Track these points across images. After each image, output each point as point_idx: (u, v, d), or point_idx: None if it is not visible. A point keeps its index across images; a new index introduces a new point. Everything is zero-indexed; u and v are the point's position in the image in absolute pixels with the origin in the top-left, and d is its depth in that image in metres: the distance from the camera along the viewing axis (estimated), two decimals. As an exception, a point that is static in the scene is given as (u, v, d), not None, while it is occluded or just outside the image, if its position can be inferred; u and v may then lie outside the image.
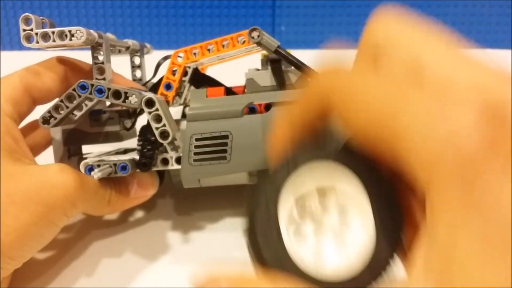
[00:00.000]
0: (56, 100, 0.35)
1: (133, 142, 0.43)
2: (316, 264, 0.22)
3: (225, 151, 0.34)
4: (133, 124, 0.43)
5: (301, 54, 0.39)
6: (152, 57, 0.49)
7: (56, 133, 0.40)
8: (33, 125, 0.40)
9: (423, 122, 0.17)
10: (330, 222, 0.23)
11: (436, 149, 0.17)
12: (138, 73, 0.47)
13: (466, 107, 0.16)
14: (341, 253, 0.22)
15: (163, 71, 0.41)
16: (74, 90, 0.34)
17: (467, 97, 0.17)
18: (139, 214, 0.44)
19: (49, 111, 0.35)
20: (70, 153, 0.41)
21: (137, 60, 0.48)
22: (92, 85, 0.34)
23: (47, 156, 0.40)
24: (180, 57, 0.39)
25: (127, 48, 0.45)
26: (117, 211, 0.40)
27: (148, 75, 0.47)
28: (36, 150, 0.40)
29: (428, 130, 0.17)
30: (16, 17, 0.79)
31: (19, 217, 0.31)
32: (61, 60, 0.39)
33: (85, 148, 0.43)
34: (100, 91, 0.34)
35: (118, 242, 0.41)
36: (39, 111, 0.37)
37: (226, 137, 0.34)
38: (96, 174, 0.34)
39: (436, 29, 0.20)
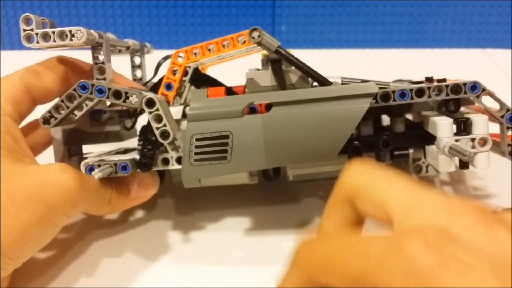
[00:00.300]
0: (56, 100, 0.35)
1: (133, 142, 0.43)
2: None
3: (225, 151, 0.34)
4: (134, 124, 0.43)
5: (301, 54, 0.39)
6: (152, 56, 0.49)
7: (57, 133, 0.40)
8: (34, 125, 0.40)
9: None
10: None
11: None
12: (138, 73, 0.47)
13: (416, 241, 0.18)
14: None
15: (163, 71, 0.41)
16: (74, 90, 0.34)
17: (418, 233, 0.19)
18: (140, 214, 0.44)
19: (49, 111, 0.35)
20: (71, 153, 0.41)
21: (137, 60, 0.48)
22: (93, 85, 0.34)
23: (48, 156, 0.40)
24: (181, 57, 0.39)
25: (128, 48, 0.45)
26: (117, 211, 0.40)
27: (149, 74, 0.47)
28: (37, 149, 0.40)
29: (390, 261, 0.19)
30: (16, 17, 0.79)
31: (19, 217, 0.31)
32: (61, 60, 0.39)
33: (86, 148, 0.43)
34: (100, 91, 0.34)
35: (118, 242, 0.41)
36: (39, 111, 0.37)
37: (226, 137, 0.34)
38: (97, 174, 0.34)
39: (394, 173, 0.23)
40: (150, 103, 0.34)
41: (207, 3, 0.81)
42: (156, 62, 0.44)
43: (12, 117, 0.34)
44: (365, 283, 0.20)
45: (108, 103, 0.41)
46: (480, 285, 0.17)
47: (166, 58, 0.43)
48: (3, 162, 0.32)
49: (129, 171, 0.35)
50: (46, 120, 0.35)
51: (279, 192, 0.47)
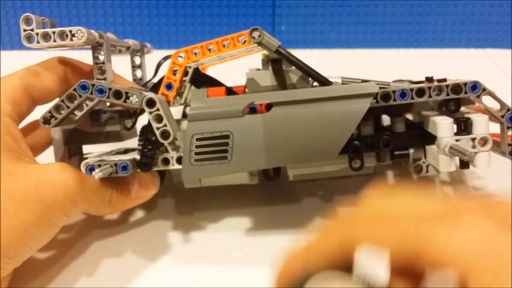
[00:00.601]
0: (56, 100, 0.35)
1: (133, 142, 0.43)
2: None
3: (226, 151, 0.34)
4: (134, 124, 0.43)
5: (301, 54, 0.39)
6: (153, 57, 0.49)
7: (57, 133, 0.40)
8: (34, 125, 0.40)
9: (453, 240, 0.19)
10: None
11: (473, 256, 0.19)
12: (138, 73, 0.47)
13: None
14: None
15: (163, 71, 0.41)
16: (75, 90, 0.34)
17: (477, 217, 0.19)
18: (140, 214, 0.44)
19: (49, 111, 0.35)
20: (71, 153, 0.41)
21: (137, 60, 0.48)
22: (93, 85, 0.34)
23: (48, 156, 0.40)
24: (181, 57, 0.39)
25: (128, 48, 0.45)
26: (118, 211, 0.40)
27: (149, 75, 0.47)
28: (37, 150, 0.40)
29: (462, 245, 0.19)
30: (16, 16, 0.79)
31: (18, 216, 0.31)
32: (61, 61, 0.39)
33: (86, 148, 0.43)
34: (101, 91, 0.34)
35: (118, 242, 0.41)
36: (39, 111, 0.37)
37: (227, 137, 0.34)
38: (97, 174, 0.34)
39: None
40: (151, 103, 0.34)
41: (207, 3, 0.81)
42: (156, 62, 0.44)
43: (11, 117, 0.34)
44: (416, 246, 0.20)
45: (108, 103, 0.41)
46: None
47: (166, 58, 0.43)
48: (3, 162, 0.32)
49: (129, 171, 0.35)
50: (46, 120, 0.35)
51: (279, 192, 0.47)
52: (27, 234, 0.32)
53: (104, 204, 0.37)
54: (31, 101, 0.37)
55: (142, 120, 0.41)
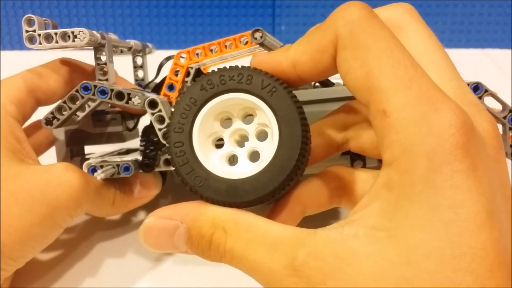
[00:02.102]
0: (59, 102, 0.35)
1: (135, 142, 0.43)
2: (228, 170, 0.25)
3: None
4: (136, 124, 0.43)
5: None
6: (154, 57, 0.49)
7: (59, 133, 0.40)
8: (36, 125, 0.40)
9: (417, 116, 0.20)
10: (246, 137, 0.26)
11: (428, 138, 0.19)
12: (140, 73, 0.47)
13: (452, 116, 0.19)
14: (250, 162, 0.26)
15: (165, 71, 0.41)
16: (77, 91, 0.34)
17: (453, 109, 0.20)
18: (142, 215, 0.44)
19: (52, 112, 0.35)
20: (73, 153, 0.41)
21: (139, 60, 0.47)
22: (95, 86, 0.34)
23: (49, 157, 0.40)
24: (183, 57, 0.39)
25: (129, 48, 0.45)
26: (121, 211, 0.40)
27: (150, 74, 0.47)
28: (39, 150, 0.40)
29: (422, 124, 0.20)
30: (16, 16, 0.79)
31: (22, 217, 0.31)
32: (65, 62, 0.39)
33: (88, 149, 0.43)
34: (103, 92, 0.34)
35: (121, 243, 0.41)
36: (41, 111, 0.37)
37: None
38: (100, 175, 0.34)
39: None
40: (153, 104, 0.34)
41: (207, 3, 0.81)
42: (157, 62, 0.44)
43: (15, 118, 0.34)
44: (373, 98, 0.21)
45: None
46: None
47: (168, 58, 0.43)
48: (6, 163, 0.32)
49: (131, 172, 0.35)
50: (48, 121, 0.35)
51: None
52: (30, 235, 0.31)
53: (107, 205, 0.37)
54: (35, 102, 0.37)
55: (144, 121, 0.41)
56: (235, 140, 0.27)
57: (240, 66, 0.25)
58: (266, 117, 0.25)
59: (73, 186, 0.32)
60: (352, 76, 0.22)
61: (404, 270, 0.18)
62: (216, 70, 0.26)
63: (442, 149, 0.19)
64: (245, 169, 0.25)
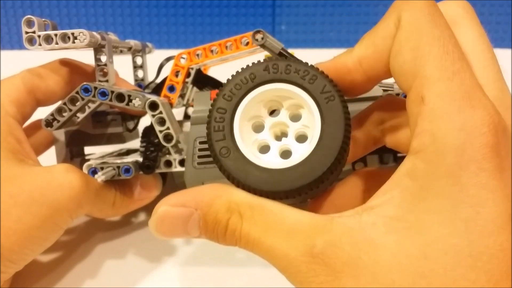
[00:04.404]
0: (59, 103, 0.35)
1: (135, 143, 0.43)
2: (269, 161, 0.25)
3: None
4: (136, 125, 0.43)
5: (302, 54, 0.39)
6: (154, 57, 0.48)
7: (59, 134, 0.39)
8: (36, 125, 0.40)
9: (453, 108, 0.20)
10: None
11: (459, 133, 0.20)
12: (140, 73, 0.47)
13: (486, 116, 0.20)
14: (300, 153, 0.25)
15: (165, 72, 0.41)
16: (77, 93, 0.34)
17: (488, 109, 0.20)
18: (142, 216, 0.44)
19: (52, 114, 0.35)
20: (73, 154, 0.41)
21: (139, 60, 0.47)
22: (95, 88, 0.34)
23: (49, 157, 0.40)
24: (184, 58, 0.39)
25: (129, 48, 0.44)
26: (121, 213, 0.40)
27: (150, 74, 0.47)
28: (39, 150, 0.40)
29: (457, 118, 0.20)
30: (16, 16, 0.79)
31: (22, 220, 0.31)
32: (65, 62, 0.38)
33: (87, 149, 0.43)
34: (103, 94, 0.34)
35: (122, 244, 0.41)
36: (41, 111, 0.37)
37: None
38: (100, 177, 0.34)
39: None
40: (153, 106, 0.34)
41: (207, 3, 0.81)
42: (157, 62, 0.44)
43: (15, 118, 0.34)
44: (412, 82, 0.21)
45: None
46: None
47: (168, 59, 0.43)
48: (6, 164, 0.32)
49: (132, 173, 0.35)
50: (48, 123, 0.35)
51: None
52: (30, 237, 0.31)
53: (107, 206, 0.37)
54: (35, 102, 0.36)
55: (144, 121, 0.41)
56: (274, 132, 0.27)
57: (308, 64, 0.25)
58: (313, 120, 0.25)
59: (74, 187, 0.32)
60: (400, 58, 0.22)
61: (421, 264, 0.18)
62: (285, 58, 0.26)
63: (471, 146, 0.19)
64: (272, 162, 0.25)
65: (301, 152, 0.25)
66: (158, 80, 0.43)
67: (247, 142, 0.25)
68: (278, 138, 0.27)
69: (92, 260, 0.40)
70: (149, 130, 0.38)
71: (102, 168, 0.35)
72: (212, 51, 0.38)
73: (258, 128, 0.27)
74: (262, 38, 0.36)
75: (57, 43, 0.34)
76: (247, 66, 0.26)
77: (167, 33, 0.82)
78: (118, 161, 0.36)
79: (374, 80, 0.25)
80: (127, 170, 0.35)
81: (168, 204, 0.24)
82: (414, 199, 0.20)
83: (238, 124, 0.25)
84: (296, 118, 0.26)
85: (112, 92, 0.34)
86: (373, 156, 0.39)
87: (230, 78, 0.25)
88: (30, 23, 0.34)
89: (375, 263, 0.19)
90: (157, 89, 0.41)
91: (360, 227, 0.20)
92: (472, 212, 0.19)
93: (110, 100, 0.34)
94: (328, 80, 0.25)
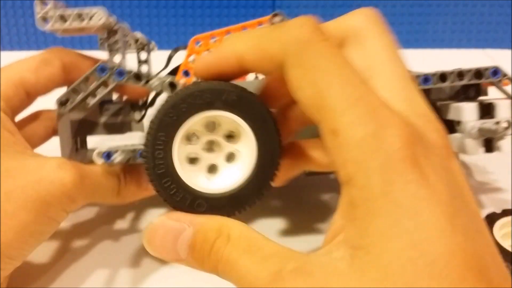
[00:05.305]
0: (74, 84, 0.34)
1: (137, 139, 0.42)
2: (206, 184, 0.25)
3: None
4: (143, 116, 0.42)
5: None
6: (153, 56, 0.48)
7: (64, 124, 0.38)
8: (34, 116, 0.39)
9: (366, 133, 0.20)
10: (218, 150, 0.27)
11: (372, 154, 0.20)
12: (144, 69, 0.46)
13: (398, 131, 0.20)
14: (227, 174, 0.26)
15: (174, 64, 0.40)
16: (92, 72, 0.33)
17: (398, 124, 0.21)
18: (143, 217, 0.44)
19: (66, 94, 0.34)
20: (77, 146, 0.40)
21: (143, 56, 0.46)
22: (112, 67, 0.33)
23: (52, 149, 0.39)
24: (198, 43, 0.38)
25: (136, 40, 0.44)
26: (127, 201, 0.39)
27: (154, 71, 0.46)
28: (36, 141, 0.39)
29: (372, 141, 0.20)
30: (16, 16, 0.78)
31: (16, 216, 0.30)
32: (59, 51, 0.37)
33: (90, 144, 0.42)
34: (120, 74, 0.33)
35: (120, 244, 0.40)
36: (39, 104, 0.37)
37: None
38: (117, 158, 0.33)
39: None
40: (172, 86, 0.33)
41: (207, 3, 0.81)
42: (156, 62, 0.44)
43: (4, 112, 0.34)
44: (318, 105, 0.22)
45: (115, 96, 0.41)
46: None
47: (176, 50, 0.42)
48: (2, 158, 0.31)
49: None
50: (62, 103, 0.34)
51: (281, 193, 0.46)
52: (27, 232, 0.31)
53: (111, 196, 0.36)
54: (25, 96, 0.36)
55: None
56: (207, 150, 0.27)
57: (192, 86, 0.25)
58: (230, 119, 0.25)
59: (65, 184, 0.31)
60: (301, 94, 0.22)
61: (384, 284, 0.19)
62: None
63: (392, 162, 0.20)
64: (228, 178, 0.26)
65: (243, 149, 0.26)
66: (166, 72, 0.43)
67: (198, 178, 0.26)
68: (212, 150, 0.27)
69: (92, 260, 0.39)
70: None
71: (116, 152, 0.34)
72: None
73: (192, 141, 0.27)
74: (281, 21, 0.35)
75: (71, 23, 0.33)
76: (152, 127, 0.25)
77: (167, 34, 0.82)
78: (131, 147, 0.35)
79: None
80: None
81: (165, 216, 0.25)
82: (363, 225, 0.20)
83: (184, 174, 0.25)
84: (213, 128, 0.26)
85: (130, 71, 0.33)
86: None
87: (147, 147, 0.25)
88: (43, 3, 0.33)
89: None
90: (171, 74, 0.40)
91: (331, 261, 0.21)
92: (411, 224, 0.19)
93: (127, 80, 0.33)
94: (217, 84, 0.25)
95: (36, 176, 0.31)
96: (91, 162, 0.34)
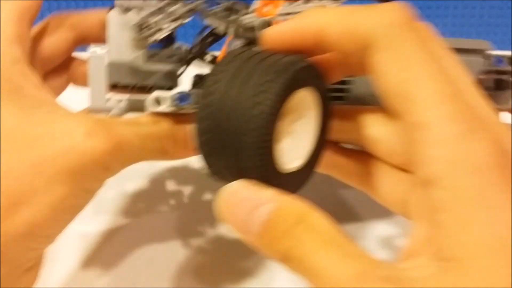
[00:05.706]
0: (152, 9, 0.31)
1: None
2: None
3: None
4: (182, 72, 0.38)
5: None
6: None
7: (97, 67, 0.33)
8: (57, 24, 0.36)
9: (463, 131, 0.19)
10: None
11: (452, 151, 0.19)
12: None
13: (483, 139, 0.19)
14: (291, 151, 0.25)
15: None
16: None
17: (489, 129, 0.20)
18: (143, 218, 0.44)
19: (143, 18, 0.31)
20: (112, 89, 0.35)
21: None
22: None
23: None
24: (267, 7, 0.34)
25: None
26: (176, 159, 0.35)
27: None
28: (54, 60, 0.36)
29: (470, 140, 0.19)
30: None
31: (48, 191, 0.27)
32: (62, 17, 0.36)
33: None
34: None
35: (121, 244, 0.41)
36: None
37: None
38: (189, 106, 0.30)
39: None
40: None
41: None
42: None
43: (25, 61, 0.30)
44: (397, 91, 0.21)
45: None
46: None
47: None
48: (28, 123, 0.28)
49: None
50: (139, 26, 0.31)
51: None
52: (61, 208, 0.27)
53: (157, 155, 0.32)
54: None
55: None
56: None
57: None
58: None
59: (97, 153, 0.28)
60: (388, 79, 0.21)
61: None
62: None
63: (486, 167, 0.19)
64: (292, 155, 0.24)
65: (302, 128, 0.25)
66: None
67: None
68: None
69: (91, 260, 0.40)
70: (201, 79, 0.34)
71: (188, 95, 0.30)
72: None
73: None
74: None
75: None
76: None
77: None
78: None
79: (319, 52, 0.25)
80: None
81: (246, 182, 0.23)
82: (452, 232, 0.19)
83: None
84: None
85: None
86: None
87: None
88: None
89: None
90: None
91: (418, 274, 0.19)
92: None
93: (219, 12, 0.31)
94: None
95: (66, 145, 0.27)
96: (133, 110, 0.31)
